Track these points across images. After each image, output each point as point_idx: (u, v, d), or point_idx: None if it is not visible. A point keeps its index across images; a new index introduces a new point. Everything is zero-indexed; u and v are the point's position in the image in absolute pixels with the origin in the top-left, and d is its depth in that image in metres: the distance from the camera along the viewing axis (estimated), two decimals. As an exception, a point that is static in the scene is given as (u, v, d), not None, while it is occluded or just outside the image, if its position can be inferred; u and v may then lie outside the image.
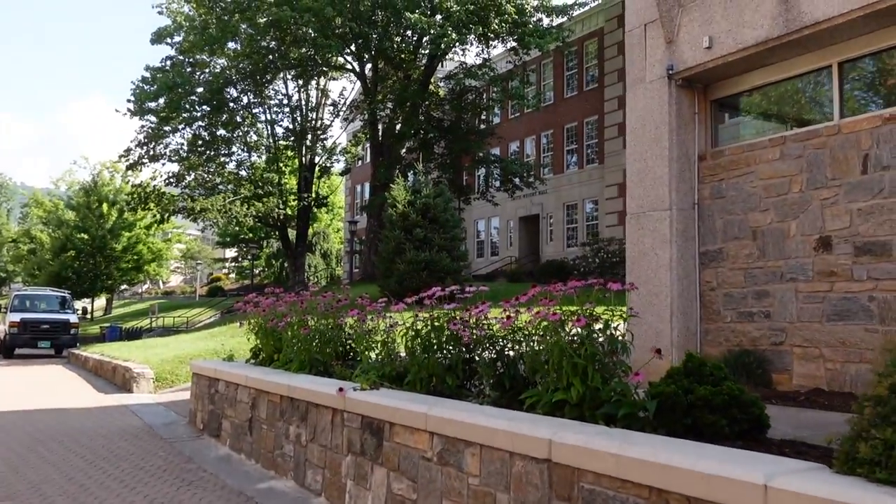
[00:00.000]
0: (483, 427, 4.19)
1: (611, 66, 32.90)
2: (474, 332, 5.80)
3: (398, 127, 29.62)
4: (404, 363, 6.72)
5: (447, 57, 29.31)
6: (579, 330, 4.59)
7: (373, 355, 7.58)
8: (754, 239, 7.83)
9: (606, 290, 4.69)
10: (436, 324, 6.05)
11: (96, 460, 7.57)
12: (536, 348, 4.94)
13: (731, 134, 8.73)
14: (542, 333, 4.87)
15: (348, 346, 8.07)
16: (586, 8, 34.24)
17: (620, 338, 4.62)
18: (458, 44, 23.75)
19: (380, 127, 31.40)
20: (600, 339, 4.60)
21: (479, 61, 27.03)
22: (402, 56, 28.46)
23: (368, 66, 30.37)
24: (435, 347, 6.02)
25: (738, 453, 3.21)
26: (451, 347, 6.02)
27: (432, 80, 29.97)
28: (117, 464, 7.41)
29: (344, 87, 42.52)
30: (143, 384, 13.01)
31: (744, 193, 7.96)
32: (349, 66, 31.43)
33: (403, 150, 31.23)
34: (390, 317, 7.25)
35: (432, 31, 23.15)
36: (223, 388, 8.68)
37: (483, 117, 31.61)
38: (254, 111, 39.22)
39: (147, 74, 30.33)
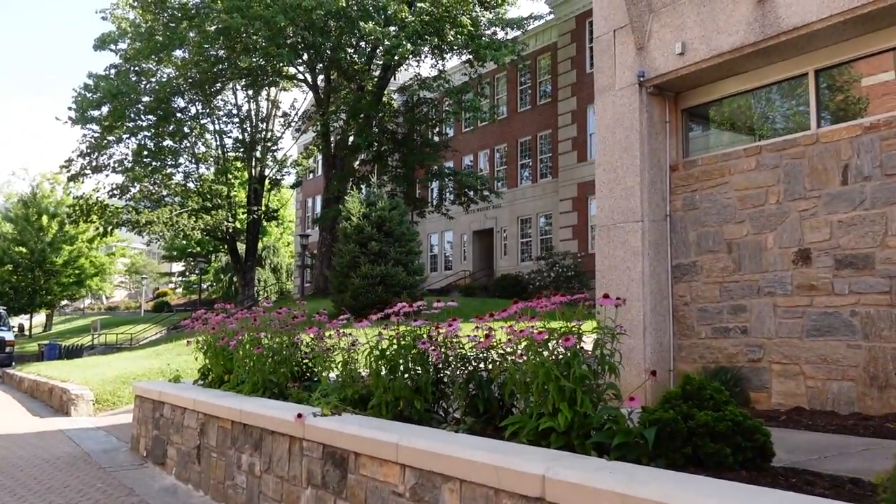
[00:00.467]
0: (463, 459, 3.75)
1: (564, 80, 32.96)
2: (445, 350, 5.37)
3: (351, 139, 29.09)
4: (367, 385, 6.26)
5: (402, 68, 28.94)
6: (563, 350, 4.22)
7: (333, 375, 7.10)
8: (730, 252, 7.58)
9: (586, 305, 4.35)
10: (403, 342, 5.60)
11: (26, 495, 6.88)
12: (517, 369, 4.53)
13: (704, 144, 8.50)
14: (522, 353, 4.48)
15: (305, 367, 7.56)
16: (541, 22, 34.34)
17: (609, 358, 4.26)
18: (412, 55, 23.37)
19: (332, 139, 30.82)
20: (586, 360, 4.24)
21: (434, 73, 26.70)
22: (356, 67, 27.99)
23: (321, 77, 29.79)
24: (402, 368, 5.57)
25: (762, 492, 2.84)
26: (418, 368, 5.58)
27: (386, 92, 29.55)
28: (48, 498, 6.73)
29: (295, 99, 41.76)
30: (82, 407, 12.20)
31: (718, 205, 7.71)
32: (301, 77, 30.80)
33: (357, 163, 30.70)
34: (350, 334, 6.78)
35: (387, 42, 22.73)
36: (169, 411, 8.05)
37: (438, 130, 31.26)
38: (202, 122, 38.24)
39: (90, 82, 29.17)
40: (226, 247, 46.30)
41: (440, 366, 5.59)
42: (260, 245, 47.98)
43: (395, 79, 30.17)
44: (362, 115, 26.66)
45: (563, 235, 32.14)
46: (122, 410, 12.18)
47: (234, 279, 61.01)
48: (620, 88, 8.41)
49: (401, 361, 5.56)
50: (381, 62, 26.85)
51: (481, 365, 5.20)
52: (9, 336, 24.54)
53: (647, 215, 8.00)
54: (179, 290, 75.48)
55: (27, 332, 56.62)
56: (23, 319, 55.91)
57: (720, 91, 8.06)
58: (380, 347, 5.65)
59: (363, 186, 21.85)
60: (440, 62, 26.18)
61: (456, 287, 36.71)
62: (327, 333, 7.51)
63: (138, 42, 27.01)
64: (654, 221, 8.07)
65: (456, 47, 24.02)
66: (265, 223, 43.70)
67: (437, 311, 5.81)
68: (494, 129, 38.49)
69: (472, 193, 28.85)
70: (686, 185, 8.08)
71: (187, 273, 70.36)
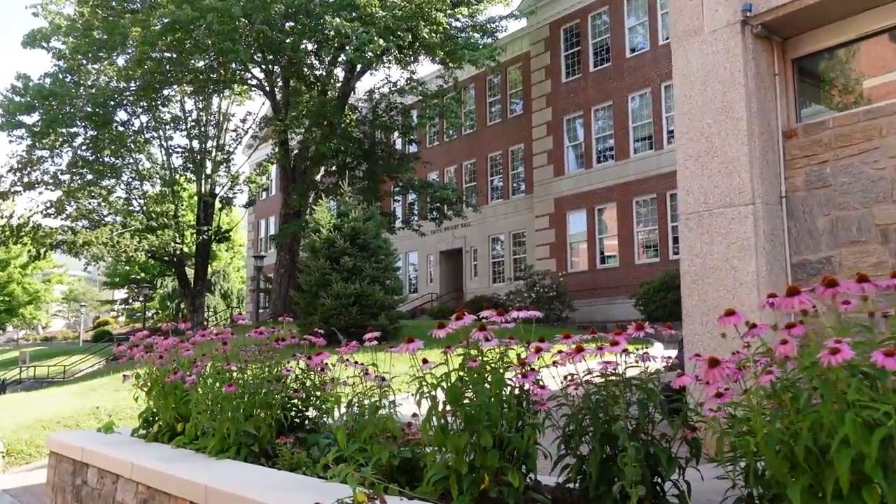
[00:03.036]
0: None
1: (539, 90, 31.22)
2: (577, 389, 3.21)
3: (313, 148, 26.71)
4: (410, 441, 4.03)
5: (368, 73, 26.76)
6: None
7: (336, 413, 4.92)
8: (886, 242, 5.52)
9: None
10: (486, 374, 3.37)
11: None
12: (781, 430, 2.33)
13: (826, 102, 6.49)
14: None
15: (296, 410, 5.26)
16: (514, 30, 32.65)
17: None
18: (384, 53, 21.19)
19: (291, 149, 28.39)
20: None
21: (405, 76, 24.56)
22: (318, 71, 25.72)
23: (279, 82, 27.38)
24: (486, 416, 3.32)
25: None
26: (512, 414, 3.38)
27: (353, 98, 27.33)
28: None
29: (248, 112, 39.14)
30: (-13, 462, 9.55)
31: (864, 179, 5.66)
32: (256, 82, 28.32)
33: (319, 175, 28.28)
34: (356, 363, 4.55)
35: (355, 39, 20.53)
36: (95, 478, 5.60)
37: (410, 137, 29.08)
38: (147, 135, 35.38)
39: (18, 84, 26.22)
40: (172, 270, 43.15)
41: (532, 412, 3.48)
42: (210, 269, 44.97)
43: (361, 83, 27.93)
44: (326, 122, 24.31)
45: (540, 254, 30.17)
46: (40, 465, 9.56)
47: (182, 305, 57.56)
48: (712, 31, 6.35)
49: (484, 406, 3.32)
50: (346, 64, 24.61)
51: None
52: (-83, 371, 21.33)
53: (759, 196, 5.92)
54: (122, 319, 71.30)
55: (-49, 366, 52.16)
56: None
57: (849, 31, 6.07)
58: (446, 382, 3.39)
59: (326, 200, 19.44)
60: (414, 63, 24.04)
61: (423, 311, 34.40)
62: (329, 361, 5.28)
63: (73, 38, 24.23)
64: (769, 205, 5.99)
65: (431, 46, 21.90)
66: (216, 245, 40.81)
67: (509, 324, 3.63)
68: (462, 144, 36.55)
69: (445, 208, 26.66)
70: (810, 156, 6.03)
71: (130, 300, 66.47)
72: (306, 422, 5.31)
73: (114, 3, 23.64)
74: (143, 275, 58.68)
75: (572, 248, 29.35)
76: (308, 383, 5.26)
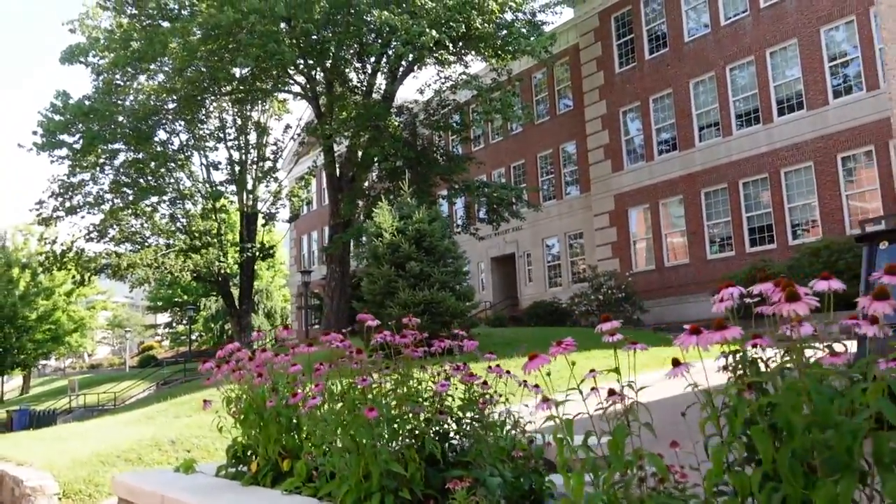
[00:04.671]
0: None
1: (590, 83, 29.73)
2: None
3: (360, 154, 25.53)
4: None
5: (413, 74, 25.53)
6: None
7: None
8: None
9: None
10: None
11: None
12: None
13: None
14: None
15: (454, 440, 3.93)
16: (559, 23, 31.32)
17: None
18: (436, 45, 19.86)
19: (337, 157, 27.27)
20: None
21: (457, 71, 23.21)
22: (363, 70, 24.52)
23: (322, 87, 26.27)
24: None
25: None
26: None
27: (402, 98, 26.14)
28: None
29: (288, 125, 38.38)
30: (42, 505, 8.33)
31: None
32: (298, 90, 27.23)
33: (368, 182, 27.11)
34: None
35: (404, 33, 19.29)
36: (181, 537, 4.28)
37: (464, 136, 27.70)
38: (187, 154, 34.63)
39: (57, 102, 25.44)
40: (216, 291, 42.43)
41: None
42: (253, 288, 44.12)
43: (404, 85, 26.72)
44: (372, 125, 23.12)
45: (602, 254, 28.58)
46: (102, 507, 8.35)
47: (226, 327, 56.90)
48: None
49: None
50: (393, 62, 23.37)
51: None
52: (-35, 403, 20.40)
53: None
54: (166, 343, 71.04)
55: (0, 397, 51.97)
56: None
57: None
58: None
59: (386, 203, 18.13)
60: (467, 55, 22.65)
61: (479, 320, 32.95)
62: (485, 367, 3.96)
63: (112, 52, 23.35)
64: None
65: (484, 37, 20.54)
66: (260, 261, 39.90)
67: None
68: (509, 144, 35.20)
69: (502, 210, 25.24)
70: None
71: (174, 324, 66.10)
72: (462, 457, 3.95)
73: (152, 11, 22.68)
74: (185, 297, 58.19)
75: (636, 247, 27.72)
76: (452, 401, 3.92)
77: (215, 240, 35.88)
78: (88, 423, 16.38)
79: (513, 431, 4.02)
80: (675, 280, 25.60)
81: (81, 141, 25.52)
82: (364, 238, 23.39)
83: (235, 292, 37.80)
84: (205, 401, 5.43)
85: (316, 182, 45.17)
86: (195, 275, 34.44)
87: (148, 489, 4.64)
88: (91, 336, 61.93)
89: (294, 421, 4.43)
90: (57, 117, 25.36)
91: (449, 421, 3.97)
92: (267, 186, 35.71)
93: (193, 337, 57.08)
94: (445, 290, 15.62)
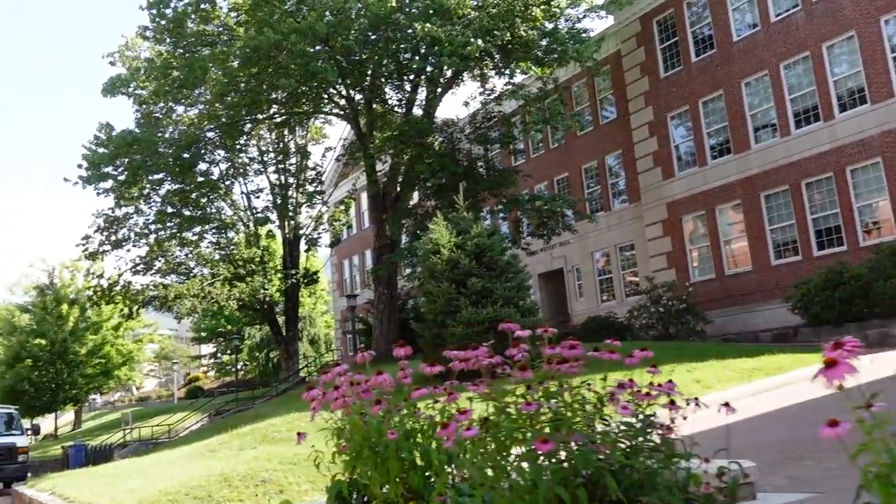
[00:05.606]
0: None
1: (634, 90, 29.00)
2: None
3: (403, 172, 25.08)
4: None
5: (453, 91, 25.08)
6: None
7: None
8: None
9: None
10: None
11: None
12: None
13: None
14: None
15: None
16: (596, 31, 30.68)
17: None
18: (481, 55, 19.36)
19: (380, 177, 26.86)
20: None
21: (502, 82, 22.72)
22: (404, 84, 24.13)
23: (360, 107, 25.97)
24: None
25: None
26: None
27: (447, 113, 25.71)
28: None
29: (327, 148, 38.41)
30: (112, 551, 7.80)
31: None
32: (337, 111, 26.94)
33: (411, 202, 26.64)
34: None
35: (448, 44, 18.83)
36: None
37: (512, 148, 27.10)
38: (228, 183, 34.64)
39: (101, 135, 25.49)
40: (260, 320, 42.32)
41: None
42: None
43: (448, 98, 26.19)
44: (416, 142, 22.67)
45: (657, 265, 27.66)
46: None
47: (271, 355, 56.76)
48: None
49: None
50: (433, 76, 22.94)
51: None
52: (21, 441, 20.08)
53: None
54: (211, 374, 71.25)
55: (54, 433, 52.28)
56: (47, 419, 51.73)
57: None
58: None
59: (440, 220, 17.56)
60: (512, 64, 22.10)
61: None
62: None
63: (153, 82, 23.32)
64: None
65: (529, 44, 20.01)
66: (303, 287, 39.68)
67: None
68: (551, 158, 34.50)
69: (553, 224, 24.54)
70: None
71: (219, 354, 66.21)
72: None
73: (191, 39, 22.63)
74: (229, 327, 58.26)
75: (693, 255, 26.76)
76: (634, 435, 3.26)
77: (259, 267, 35.76)
78: (147, 458, 15.96)
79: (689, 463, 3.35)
80: (738, 288, 24.58)
81: (126, 173, 25.53)
82: (414, 258, 22.88)
83: (280, 320, 37.60)
84: (299, 433, 4.83)
85: (355, 206, 44.95)
86: (241, 303, 34.28)
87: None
88: (139, 369, 62.32)
89: (418, 457, 3.82)
90: (101, 150, 25.44)
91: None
92: (309, 211, 35.50)
93: (239, 366, 57.00)
94: (509, 306, 14.97)
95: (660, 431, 3.22)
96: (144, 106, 25.19)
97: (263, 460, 10.21)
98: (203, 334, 62.72)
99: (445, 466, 3.70)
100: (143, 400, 72.96)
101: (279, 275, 36.40)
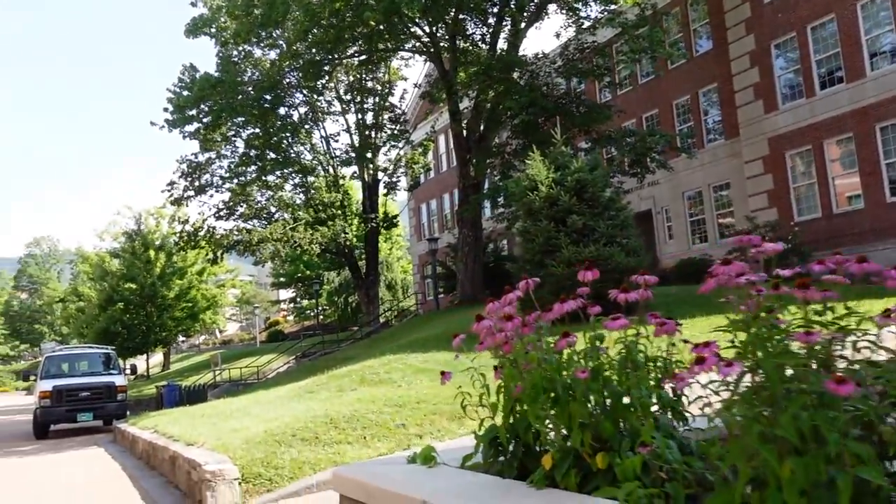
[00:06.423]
0: None
1: (734, 17, 27.05)
2: None
3: (488, 109, 24.10)
4: None
5: (541, 19, 23.75)
6: None
7: None
8: None
9: None
10: None
11: None
12: None
13: None
14: None
15: None
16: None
17: None
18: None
19: (463, 116, 25.96)
20: None
21: (595, 10, 21.28)
22: (487, 18, 22.99)
23: (444, 43, 24.95)
24: None
25: None
26: None
27: (527, 49, 24.52)
28: None
29: (413, 85, 37.42)
30: (224, 492, 7.49)
31: None
32: (419, 46, 25.99)
33: (497, 142, 25.71)
34: None
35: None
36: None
37: (608, 81, 25.72)
38: (306, 126, 34.31)
39: (185, 77, 25.34)
40: (339, 264, 42.42)
41: None
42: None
43: (533, 33, 24.90)
44: (503, 77, 21.60)
45: (755, 204, 26.11)
46: (288, 493, 7.44)
47: (349, 300, 57.24)
48: None
49: None
50: (521, 3, 21.67)
51: None
52: (119, 381, 20.52)
53: None
54: (291, 318, 72.71)
55: (146, 374, 54.35)
56: (139, 360, 53.75)
57: None
58: None
59: (536, 155, 16.61)
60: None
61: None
62: None
63: (235, 21, 22.89)
64: None
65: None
66: (384, 231, 39.47)
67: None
68: (639, 94, 32.84)
69: (648, 160, 23.27)
70: None
71: (298, 299, 67.33)
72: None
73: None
74: (308, 272, 58.91)
75: (797, 193, 25.10)
76: None
77: (339, 211, 35.59)
78: (243, 397, 15.94)
79: None
80: (848, 228, 22.94)
81: (209, 116, 25.40)
82: (502, 197, 22.10)
83: (360, 264, 37.56)
84: (442, 372, 4.21)
85: (433, 149, 44.15)
86: (322, 247, 34.27)
87: (403, 492, 3.46)
88: (222, 313, 63.99)
89: (608, 401, 3.15)
90: (185, 93, 25.32)
91: None
92: (387, 154, 34.93)
93: (318, 310, 57.82)
94: (612, 244, 14.09)
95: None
96: (224, 49, 24.84)
97: (367, 402, 9.81)
98: (282, 279, 63.74)
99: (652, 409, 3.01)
100: (226, 343, 75.24)
101: (358, 219, 36.19)
